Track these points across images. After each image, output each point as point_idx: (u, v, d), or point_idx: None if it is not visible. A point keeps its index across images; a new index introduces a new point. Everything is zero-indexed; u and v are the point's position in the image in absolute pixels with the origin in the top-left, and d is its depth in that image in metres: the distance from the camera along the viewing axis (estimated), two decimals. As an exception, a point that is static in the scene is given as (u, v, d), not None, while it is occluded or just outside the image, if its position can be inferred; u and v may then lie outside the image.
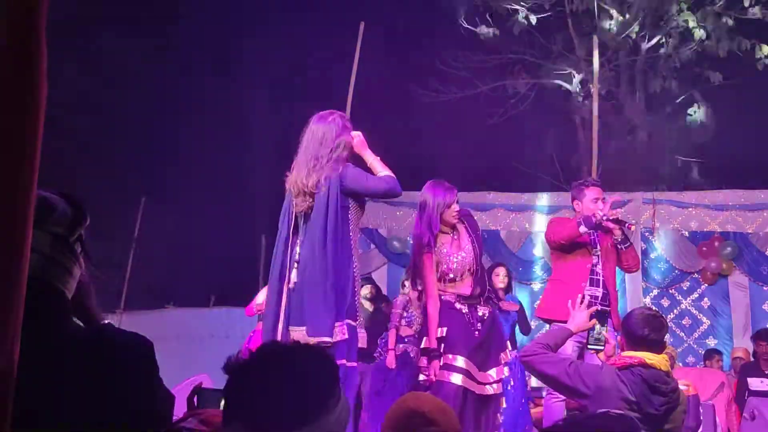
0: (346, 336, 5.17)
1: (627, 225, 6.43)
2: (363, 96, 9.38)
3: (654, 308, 5.36)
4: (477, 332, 5.90)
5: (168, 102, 16.32)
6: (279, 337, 5.22)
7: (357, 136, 5.43)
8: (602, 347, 4.71)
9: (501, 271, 9.14)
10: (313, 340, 5.05)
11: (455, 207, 6.07)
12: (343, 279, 5.22)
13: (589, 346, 4.79)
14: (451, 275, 6.00)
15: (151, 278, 14.95)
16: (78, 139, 14.63)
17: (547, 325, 7.12)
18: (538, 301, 11.93)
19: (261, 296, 9.30)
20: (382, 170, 5.38)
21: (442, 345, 5.83)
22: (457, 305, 5.94)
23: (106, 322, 2.18)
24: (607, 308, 6.31)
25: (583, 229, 6.35)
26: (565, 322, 4.80)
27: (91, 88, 14.99)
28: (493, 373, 5.90)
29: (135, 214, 13.79)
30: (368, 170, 5.40)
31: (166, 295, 15.11)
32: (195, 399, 2.73)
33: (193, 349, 10.61)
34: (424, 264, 5.97)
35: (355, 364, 5.29)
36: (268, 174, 14.55)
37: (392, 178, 5.34)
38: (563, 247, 6.55)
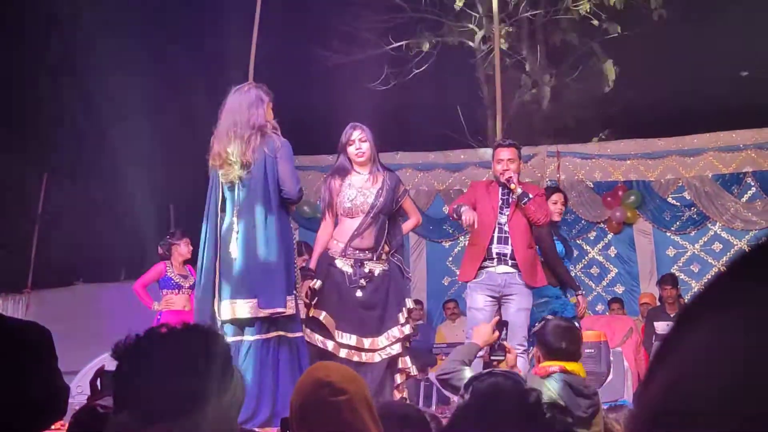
0: (295, 310, 5.24)
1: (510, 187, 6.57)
2: (264, 62, 9.27)
3: (568, 320, 5.47)
4: (360, 290, 5.87)
5: (70, 72, 15.91)
6: (216, 311, 5.24)
7: None
8: (503, 357, 4.77)
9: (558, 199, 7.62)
10: (265, 312, 5.08)
11: (357, 145, 6.06)
12: (289, 252, 5.30)
13: (491, 357, 4.83)
14: (342, 210, 6.01)
15: (59, 255, 14.63)
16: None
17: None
18: (450, 259, 12.19)
19: (152, 273, 9.12)
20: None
21: (315, 298, 5.82)
22: (338, 262, 5.89)
23: None
24: (518, 270, 6.43)
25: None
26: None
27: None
28: (394, 332, 5.87)
29: (38, 190, 13.48)
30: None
31: (75, 272, 14.83)
32: (98, 383, 2.68)
33: (104, 324, 10.40)
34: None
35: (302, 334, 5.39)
36: (175, 143, 14.34)
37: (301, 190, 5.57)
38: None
